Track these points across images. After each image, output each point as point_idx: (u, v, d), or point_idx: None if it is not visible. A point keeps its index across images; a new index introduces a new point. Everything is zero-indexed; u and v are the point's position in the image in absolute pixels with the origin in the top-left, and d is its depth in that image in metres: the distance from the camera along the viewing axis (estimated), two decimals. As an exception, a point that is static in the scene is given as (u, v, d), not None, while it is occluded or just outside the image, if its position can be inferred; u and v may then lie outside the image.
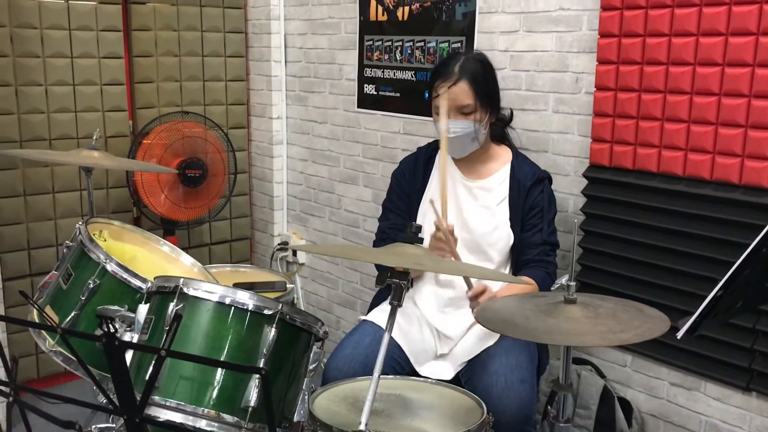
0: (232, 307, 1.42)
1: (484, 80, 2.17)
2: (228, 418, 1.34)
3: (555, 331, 1.48)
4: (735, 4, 1.98)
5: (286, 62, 3.63)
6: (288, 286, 2.43)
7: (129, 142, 3.32)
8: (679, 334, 1.49)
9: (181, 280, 1.42)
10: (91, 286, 1.72)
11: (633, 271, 2.28)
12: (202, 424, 1.33)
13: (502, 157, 2.26)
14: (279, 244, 3.75)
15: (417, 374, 2.09)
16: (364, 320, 2.19)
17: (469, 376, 2.07)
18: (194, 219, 3.41)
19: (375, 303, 2.33)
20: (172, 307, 1.39)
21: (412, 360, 2.13)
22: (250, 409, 1.35)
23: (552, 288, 1.66)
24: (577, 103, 2.42)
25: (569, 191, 2.48)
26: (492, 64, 2.24)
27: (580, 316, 1.54)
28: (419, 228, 1.45)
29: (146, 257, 2.00)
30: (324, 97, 3.44)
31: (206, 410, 1.34)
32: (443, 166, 2.07)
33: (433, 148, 2.33)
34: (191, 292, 1.41)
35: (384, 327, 2.12)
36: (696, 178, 2.11)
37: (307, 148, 3.59)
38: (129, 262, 1.88)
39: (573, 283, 1.58)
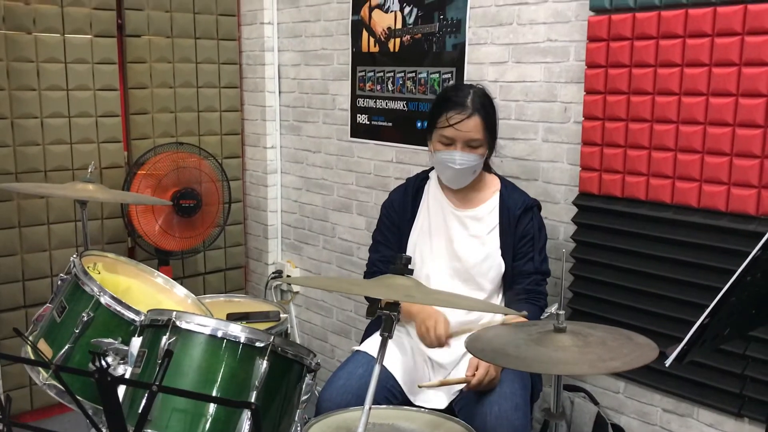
0: (225, 340, 1.44)
1: (492, 116, 2.21)
2: None
3: (545, 360, 1.50)
4: (718, 35, 2.02)
5: (279, 93, 3.67)
6: (282, 315, 2.44)
7: (124, 173, 3.35)
8: (668, 362, 1.51)
9: (174, 313, 1.44)
10: (85, 318, 1.73)
11: (623, 297, 2.30)
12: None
13: (492, 186, 2.29)
14: (273, 273, 3.76)
15: (411, 404, 2.10)
16: (357, 351, 2.20)
17: (462, 405, 2.08)
18: (189, 249, 3.42)
19: (368, 333, 2.34)
20: (164, 340, 1.41)
21: (405, 390, 2.14)
22: (241, 442, 1.36)
23: (542, 317, 1.67)
24: (566, 132, 2.46)
25: (560, 219, 2.51)
26: (493, 99, 2.27)
27: (570, 344, 1.55)
28: (409, 259, 1.47)
29: (140, 289, 2.01)
30: (317, 126, 3.48)
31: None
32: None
33: (421, 178, 2.36)
34: (183, 326, 1.43)
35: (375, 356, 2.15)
36: (683, 205, 2.14)
37: (301, 177, 3.62)
38: (123, 294, 1.90)
39: (562, 312, 1.60)
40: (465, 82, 2.73)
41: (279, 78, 3.65)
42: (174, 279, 3.46)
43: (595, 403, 2.39)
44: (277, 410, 1.47)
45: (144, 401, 0.99)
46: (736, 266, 1.44)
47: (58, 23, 3.12)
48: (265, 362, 1.41)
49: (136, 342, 1.50)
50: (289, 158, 3.69)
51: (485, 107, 2.17)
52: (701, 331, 1.49)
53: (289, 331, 2.37)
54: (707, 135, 2.07)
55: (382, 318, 1.40)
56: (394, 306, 1.37)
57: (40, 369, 1.76)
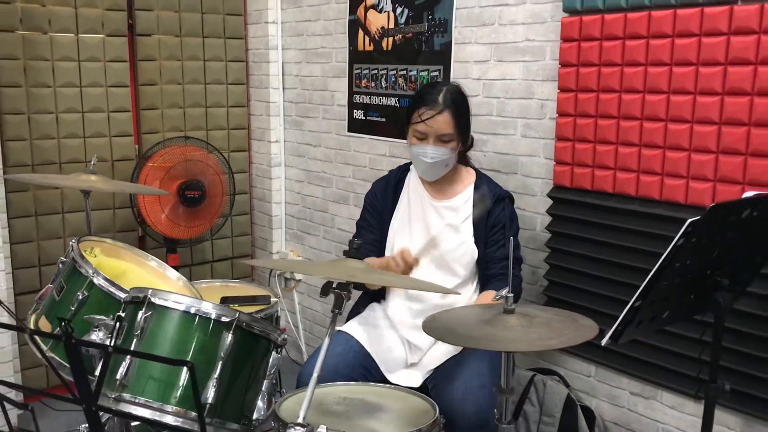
0: (197, 316, 1.59)
1: (463, 112, 2.34)
2: (190, 413, 1.50)
3: (490, 338, 1.63)
4: (678, 36, 2.12)
5: (283, 89, 3.83)
6: (272, 300, 2.59)
7: (134, 165, 3.53)
8: (603, 341, 1.65)
9: (150, 291, 1.60)
10: (80, 297, 1.90)
11: (593, 285, 2.42)
12: (168, 419, 1.49)
13: (467, 179, 2.42)
14: (277, 262, 3.93)
15: (387, 382, 2.24)
16: (338, 331, 2.35)
17: (434, 383, 2.21)
18: (195, 237, 3.60)
19: (351, 315, 2.49)
20: (140, 315, 1.57)
21: (382, 369, 2.28)
22: (208, 405, 1.51)
23: (495, 299, 1.81)
24: (543, 128, 2.57)
25: (537, 210, 2.63)
26: (467, 96, 2.39)
27: (516, 324, 1.68)
28: (360, 245, 1.61)
29: (135, 272, 2.18)
30: (318, 121, 3.63)
31: (172, 407, 1.51)
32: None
33: (402, 170, 2.50)
34: (158, 302, 1.59)
35: (355, 336, 2.30)
36: (647, 198, 2.25)
37: (303, 170, 3.78)
38: (119, 277, 2.07)
39: (511, 295, 1.73)
40: (441, 80, 2.86)
41: (283, 75, 3.81)
42: (183, 267, 3.67)
43: (567, 386, 2.51)
44: (244, 380, 1.63)
45: (101, 361, 1.14)
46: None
47: (72, 24, 3.31)
48: (230, 336, 1.57)
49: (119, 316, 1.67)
50: (292, 152, 3.84)
51: (456, 104, 2.29)
52: (634, 312, 1.62)
53: (278, 315, 2.52)
54: (668, 131, 2.18)
55: (335, 296, 1.54)
56: (345, 286, 1.52)
57: (41, 344, 1.94)
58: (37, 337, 1.96)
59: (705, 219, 1.48)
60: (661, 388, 2.33)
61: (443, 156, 2.28)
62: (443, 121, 2.26)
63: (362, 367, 2.25)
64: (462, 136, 2.33)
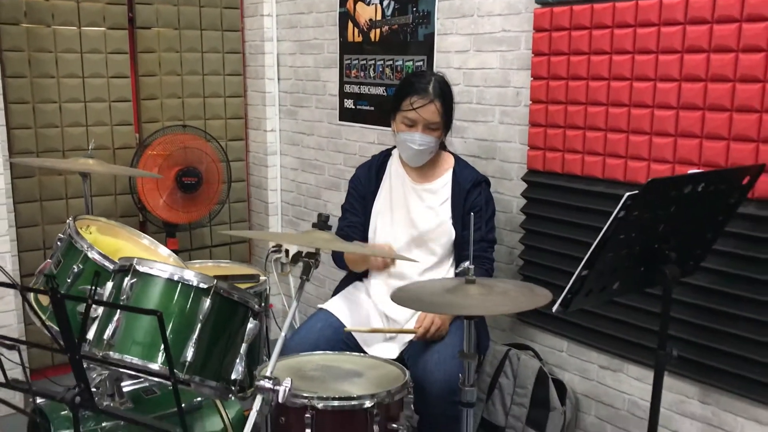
0: (179, 283, 1.73)
1: (450, 102, 2.46)
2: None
3: (449, 304, 1.77)
4: (640, 26, 2.24)
5: (279, 79, 3.96)
6: (261, 278, 2.72)
7: (133, 152, 3.68)
8: (554, 308, 1.77)
9: (135, 259, 1.74)
10: (76, 270, 2.05)
11: (564, 264, 2.54)
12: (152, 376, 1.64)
13: (446, 163, 2.55)
14: (273, 247, 4.07)
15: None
16: (320, 308, 2.49)
17: (410, 354, 2.35)
18: (193, 223, 3.75)
19: (337, 290, 2.63)
20: (126, 281, 1.71)
21: (361, 342, 2.42)
22: (187, 363, 1.66)
23: (456, 271, 1.94)
24: (518, 115, 2.70)
25: (513, 194, 2.75)
26: (451, 86, 2.52)
27: (476, 293, 1.81)
28: (327, 217, 1.75)
29: (129, 249, 2.32)
30: (311, 111, 3.77)
31: (156, 365, 1.65)
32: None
33: (384, 155, 2.63)
34: (142, 269, 1.73)
35: (335, 313, 2.44)
36: (613, 180, 2.37)
37: (298, 158, 3.91)
38: (114, 253, 2.21)
39: (472, 266, 1.86)
40: (427, 69, 2.98)
41: (278, 66, 3.95)
42: (182, 251, 3.81)
43: (540, 360, 2.64)
44: (223, 344, 1.77)
45: (84, 311, 1.28)
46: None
47: (74, 17, 3.46)
48: (208, 301, 1.71)
49: (109, 285, 1.81)
50: (287, 140, 3.98)
51: (444, 94, 2.42)
52: (581, 281, 1.74)
53: (267, 293, 2.65)
54: (631, 116, 2.30)
55: (309, 265, 1.68)
56: (313, 254, 1.65)
57: (40, 313, 2.08)
58: (36, 307, 2.11)
59: (642, 193, 1.60)
60: (626, 361, 2.45)
61: (430, 144, 2.41)
62: (433, 111, 2.38)
63: (342, 342, 2.39)
64: (447, 126, 2.45)
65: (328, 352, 2.24)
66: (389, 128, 3.26)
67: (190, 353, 1.67)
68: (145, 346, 1.67)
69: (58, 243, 2.22)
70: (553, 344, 2.69)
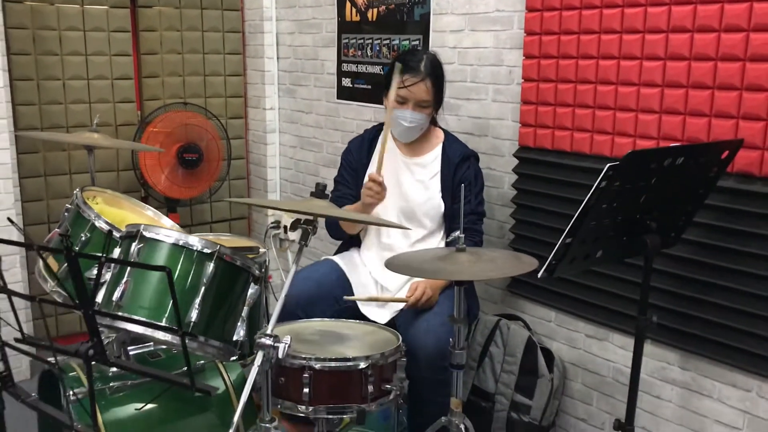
0: (184, 248, 1.83)
1: (441, 81, 2.54)
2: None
3: (439, 270, 1.86)
4: (627, 6, 2.32)
5: (278, 58, 4.03)
6: (261, 250, 2.81)
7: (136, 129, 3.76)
8: (539, 274, 1.86)
9: (142, 225, 1.84)
10: (83, 238, 2.14)
11: (554, 237, 2.62)
12: (159, 334, 1.73)
13: (436, 138, 2.64)
14: (272, 223, 4.16)
15: (363, 315, 2.46)
16: (325, 258, 2.61)
17: (401, 321, 2.45)
18: (194, 198, 3.84)
19: (338, 251, 2.73)
20: (134, 246, 1.81)
21: (359, 304, 2.51)
22: (192, 323, 1.76)
23: (448, 240, 2.03)
24: (511, 93, 2.78)
25: (505, 170, 2.84)
26: (443, 65, 2.59)
27: (465, 260, 1.91)
28: (325, 186, 1.84)
29: (133, 219, 2.41)
30: (309, 89, 3.84)
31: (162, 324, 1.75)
32: (384, 135, 2.42)
33: (377, 129, 2.71)
34: (148, 235, 1.82)
35: (340, 265, 2.54)
36: (599, 155, 2.46)
37: (296, 136, 3.99)
38: (119, 223, 2.29)
39: (462, 236, 1.95)
40: (420, 48, 3.06)
41: (277, 45, 4.01)
42: (183, 226, 3.90)
43: (529, 329, 2.74)
44: (225, 307, 1.86)
45: (97, 270, 1.37)
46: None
47: (77, -5, 3.53)
48: (212, 265, 1.80)
49: (116, 251, 1.90)
50: (285, 119, 4.06)
51: (436, 73, 2.49)
52: (565, 248, 1.84)
53: (266, 264, 2.74)
54: (618, 94, 2.38)
55: (308, 231, 1.77)
56: (311, 221, 1.74)
57: (48, 278, 2.18)
58: (46, 274, 2.20)
59: (623, 164, 1.69)
60: (612, 330, 2.55)
61: (421, 121, 2.49)
62: (425, 89, 2.46)
63: (341, 289, 2.49)
64: (437, 103, 2.53)
65: (325, 319, 2.33)
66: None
67: (194, 314, 1.76)
68: (152, 308, 1.76)
69: (66, 213, 2.31)
70: (542, 315, 2.79)
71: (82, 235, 2.15)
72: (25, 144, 3.46)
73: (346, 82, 3.57)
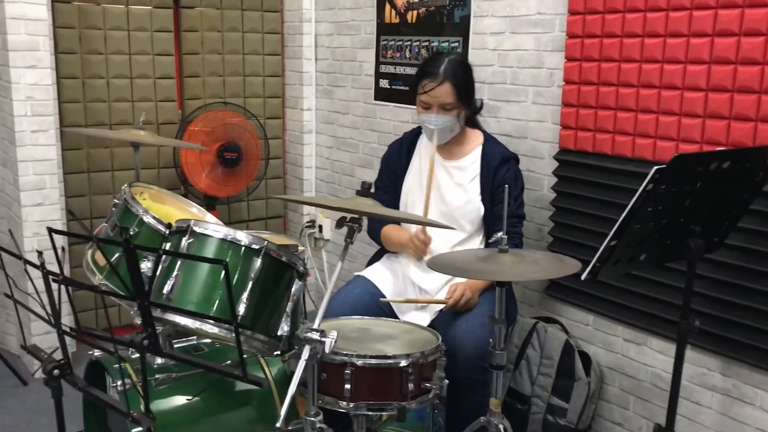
0: (231, 243, 1.87)
1: (464, 81, 2.54)
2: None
3: (482, 271, 1.88)
4: (671, 9, 2.32)
5: (316, 60, 4.08)
6: (300, 248, 2.85)
7: (177, 128, 3.82)
8: (583, 276, 1.87)
9: (192, 221, 1.88)
10: (132, 233, 2.19)
11: (593, 240, 2.63)
12: (207, 327, 1.77)
13: (475, 141, 2.65)
14: (307, 222, 4.21)
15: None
16: (357, 275, 2.62)
17: (440, 322, 2.46)
18: (232, 196, 3.90)
19: (369, 264, 2.75)
20: (184, 241, 1.85)
21: (396, 310, 2.54)
22: (239, 317, 1.79)
23: (490, 241, 2.04)
24: (551, 95, 2.78)
25: (544, 172, 2.84)
26: (471, 65, 2.61)
27: (507, 262, 1.92)
28: (370, 185, 1.86)
29: (178, 215, 2.45)
30: (347, 90, 3.88)
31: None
32: (429, 176, 2.44)
33: (416, 133, 2.73)
34: (198, 230, 1.86)
35: (372, 280, 2.56)
36: (641, 159, 2.46)
37: (332, 137, 4.03)
38: (164, 218, 2.34)
39: (505, 236, 1.96)
40: (445, 52, 3.07)
41: (315, 46, 4.06)
42: (219, 223, 3.95)
43: (566, 333, 2.74)
44: (271, 302, 1.89)
45: (154, 263, 1.41)
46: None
47: (122, -4, 3.61)
48: (260, 260, 1.84)
49: (166, 246, 1.95)
50: (322, 119, 4.10)
51: (456, 74, 2.49)
52: (610, 251, 1.84)
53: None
54: (661, 97, 2.37)
55: (348, 229, 1.80)
56: (357, 219, 1.77)
57: (96, 271, 2.23)
58: (94, 268, 2.26)
59: (669, 167, 1.69)
60: (650, 335, 2.54)
61: (446, 123, 2.50)
62: (444, 92, 2.47)
63: (378, 307, 2.51)
64: (464, 103, 2.53)
65: (365, 317, 2.36)
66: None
67: (242, 308, 1.80)
68: (200, 301, 1.80)
69: (113, 208, 2.36)
70: (579, 318, 2.78)
71: (131, 229, 2.20)
72: (70, 141, 3.54)
73: (384, 83, 3.60)
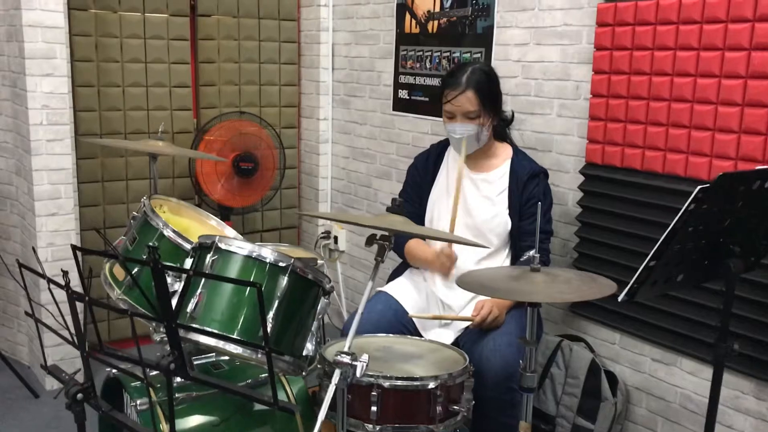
0: (257, 260, 1.81)
1: (488, 89, 2.49)
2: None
3: (514, 290, 1.81)
4: (706, 22, 2.26)
5: (333, 69, 4.03)
6: (319, 262, 2.80)
7: (193, 137, 3.78)
8: (620, 297, 1.81)
9: (217, 237, 1.82)
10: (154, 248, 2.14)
11: (621, 257, 2.57)
12: (231, 347, 1.71)
13: (504, 154, 2.59)
14: (322, 233, 4.15)
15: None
16: (379, 291, 2.56)
17: (466, 340, 2.40)
18: (247, 206, 3.84)
19: (391, 278, 2.69)
20: (209, 258, 1.79)
21: (419, 326, 2.48)
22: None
23: (521, 260, 1.98)
24: (577, 108, 2.72)
25: (569, 187, 2.78)
26: (496, 74, 2.55)
27: (540, 281, 1.86)
28: (401, 202, 1.80)
29: (197, 228, 2.41)
30: (364, 100, 3.83)
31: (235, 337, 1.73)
32: (456, 190, 2.41)
33: (442, 146, 2.68)
34: (224, 247, 1.81)
35: (395, 296, 2.50)
36: (672, 174, 2.39)
37: (349, 147, 3.98)
38: (183, 231, 2.29)
39: (537, 255, 1.90)
40: (469, 61, 3.02)
41: (333, 56, 4.01)
42: (234, 234, 3.90)
43: (592, 351, 2.67)
44: (297, 320, 1.84)
45: (184, 283, 1.35)
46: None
47: (139, 3, 3.56)
48: (286, 278, 1.78)
49: (188, 262, 1.89)
50: (339, 129, 4.05)
51: (479, 82, 2.44)
52: (648, 272, 1.78)
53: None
54: (694, 112, 2.31)
55: (378, 246, 1.74)
56: (387, 237, 1.71)
57: (114, 286, 2.18)
58: (112, 282, 2.20)
59: (714, 186, 1.63)
60: (680, 355, 2.47)
61: (470, 131, 2.45)
62: (466, 100, 2.42)
63: (401, 324, 2.45)
64: (489, 111, 2.48)
65: (389, 334, 2.30)
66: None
67: (269, 328, 1.74)
68: (224, 320, 1.75)
69: (132, 221, 2.31)
70: (605, 336, 2.72)
71: (150, 243, 2.14)
72: (84, 149, 3.50)
73: (403, 93, 3.55)
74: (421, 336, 2.45)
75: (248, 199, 3.73)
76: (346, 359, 1.58)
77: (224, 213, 3.78)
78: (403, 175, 3.57)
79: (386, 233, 1.70)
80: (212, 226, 2.48)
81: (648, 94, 2.43)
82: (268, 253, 1.83)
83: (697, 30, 2.28)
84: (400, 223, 1.71)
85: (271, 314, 1.76)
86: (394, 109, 3.62)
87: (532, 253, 1.92)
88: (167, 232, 2.15)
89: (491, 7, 3.02)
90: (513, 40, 2.95)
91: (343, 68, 3.97)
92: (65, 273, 1.50)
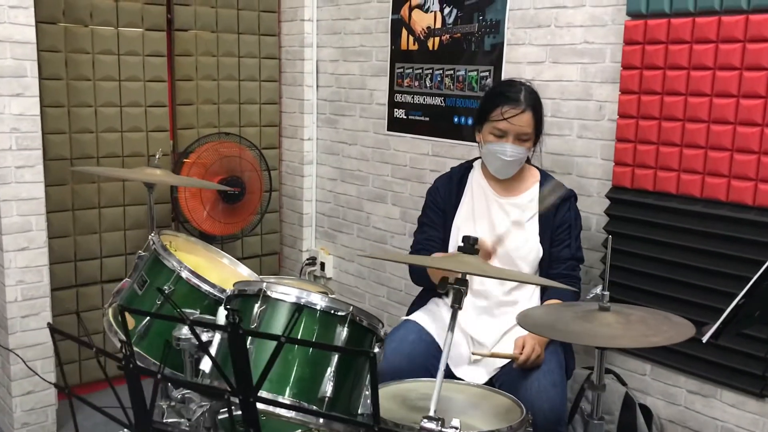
0: (316, 310, 1.59)
1: (541, 112, 2.37)
2: (307, 406, 1.50)
3: (592, 334, 1.65)
4: (749, 41, 2.17)
5: (317, 87, 3.82)
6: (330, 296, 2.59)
7: (169, 160, 3.50)
8: (704, 338, 1.67)
9: (264, 284, 1.60)
10: (166, 291, 1.89)
11: (654, 286, 2.45)
12: (283, 411, 1.49)
13: (531, 177, 2.45)
14: (308, 259, 3.93)
15: (453, 376, 2.25)
16: (406, 319, 2.37)
17: (503, 380, 2.23)
18: (230, 234, 3.59)
19: (415, 306, 2.50)
20: (256, 308, 1.56)
21: (450, 363, 2.30)
22: (326, 399, 1.51)
23: (588, 297, 1.83)
24: (600, 129, 2.61)
25: (592, 211, 2.66)
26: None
27: (614, 322, 1.71)
28: (476, 240, 1.63)
29: (208, 267, 2.17)
30: (354, 120, 3.63)
31: (289, 399, 1.51)
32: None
33: (465, 167, 2.52)
34: (273, 295, 1.58)
35: (426, 327, 2.31)
36: (712, 199, 2.29)
37: (337, 168, 3.78)
38: (199, 272, 2.06)
39: (606, 293, 1.76)
40: (515, 79, 2.86)
41: (317, 73, 3.81)
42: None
43: (623, 384, 2.55)
44: (354, 376, 1.63)
45: (273, 351, 1.13)
46: (761, 256, 1.57)
47: (112, 17, 3.28)
48: (345, 330, 1.57)
49: (222, 312, 1.66)
50: (325, 150, 3.84)
51: (536, 104, 2.32)
52: (736, 310, 1.65)
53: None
54: (737, 134, 2.22)
55: (451, 292, 1.56)
56: (463, 281, 1.53)
57: (120, 334, 1.92)
58: (117, 329, 1.95)
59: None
60: (721, 386, 2.37)
61: (520, 155, 2.31)
62: (526, 121, 2.28)
63: (433, 357, 2.26)
64: (537, 137, 2.36)
65: (425, 379, 2.11)
66: (445, 140, 3.19)
67: (329, 388, 1.52)
68: (274, 380, 1.52)
69: (138, 260, 2.06)
70: (634, 367, 2.60)
71: (165, 287, 1.90)
72: (53, 176, 3.18)
73: (400, 113, 3.37)
74: (450, 372, 2.27)
75: (234, 226, 3.48)
76: (433, 426, 1.38)
77: (205, 241, 3.51)
78: (401, 199, 3.43)
79: (459, 276, 1.52)
80: (224, 264, 2.24)
81: (683, 116, 2.33)
82: (317, 299, 1.61)
83: (740, 48, 2.19)
84: (476, 267, 1.53)
85: (329, 370, 1.54)
86: (389, 129, 3.44)
87: (598, 290, 1.77)
88: (185, 274, 1.91)
89: (501, 23, 2.88)
90: (526, 58, 2.82)
91: (329, 86, 3.77)
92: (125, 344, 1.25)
